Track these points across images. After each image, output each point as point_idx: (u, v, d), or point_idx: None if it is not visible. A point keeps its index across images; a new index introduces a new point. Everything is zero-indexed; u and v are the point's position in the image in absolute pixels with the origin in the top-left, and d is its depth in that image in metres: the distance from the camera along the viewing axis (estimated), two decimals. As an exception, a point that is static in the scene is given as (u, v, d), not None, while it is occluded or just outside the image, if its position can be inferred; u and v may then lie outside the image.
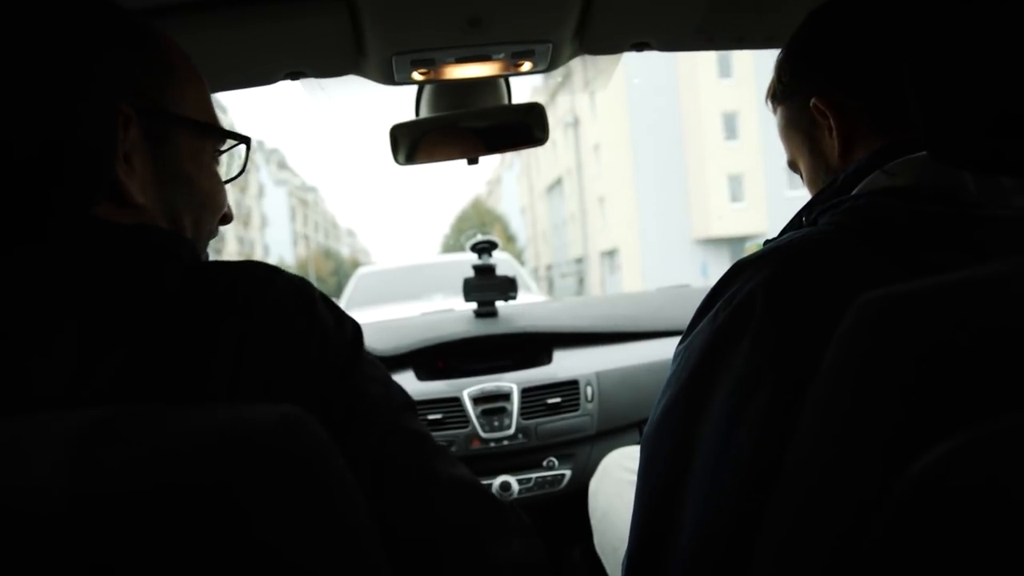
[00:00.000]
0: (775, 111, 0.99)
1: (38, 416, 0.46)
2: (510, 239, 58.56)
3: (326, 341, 0.64)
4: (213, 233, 0.79)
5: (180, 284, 0.61)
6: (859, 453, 0.55)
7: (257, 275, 0.64)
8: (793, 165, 1.00)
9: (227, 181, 0.82)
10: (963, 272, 0.55)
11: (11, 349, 0.54)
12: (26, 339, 0.55)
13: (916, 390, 0.52)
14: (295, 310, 0.63)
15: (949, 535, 0.48)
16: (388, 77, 1.35)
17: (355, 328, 0.69)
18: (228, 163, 0.83)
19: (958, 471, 0.48)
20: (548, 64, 1.36)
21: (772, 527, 0.65)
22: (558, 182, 45.66)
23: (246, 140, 0.80)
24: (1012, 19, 0.57)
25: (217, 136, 0.77)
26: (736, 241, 29.84)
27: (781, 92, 0.97)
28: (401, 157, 1.50)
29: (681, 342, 0.86)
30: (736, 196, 32.41)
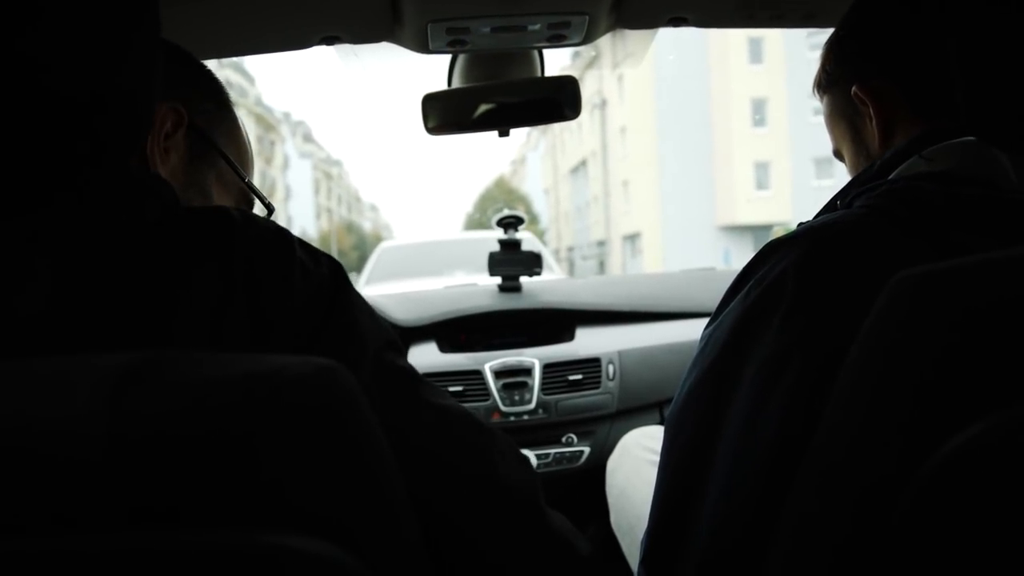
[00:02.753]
0: (821, 100, 0.99)
1: (74, 357, 0.46)
2: (533, 219, 58.50)
3: (307, 275, 0.66)
4: None
5: (158, 220, 0.63)
6: (890, 426, 0.55)
7: (234, 216, 0.66)
8: (838, 154, 1.00)
9: None
10: (1000, 251, 0.55)
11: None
12: (10, 279, 0.57)
13: (950, 366, 0.52)
14: (276, 248, 0.66)
15: (976, 511, 0.47)
16: (423, 45, 1.34)
17: (331, 262, 0.71)
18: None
19: (987, 451, 0.48)
20: (584, 37, 1.35)
21: (796, 500, 0.65)
22: (582, 164, 45.52)
23: (271, 210, 0.91)
24: None
25: (248, 189, 0.88)
26: (760, 229, 29.62)
27: (826, 81, 0.97)
28: (432, 126, 1.49)
29: (710, 323, 0.85)
30: (762, 184, 32.18)
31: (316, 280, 0.67)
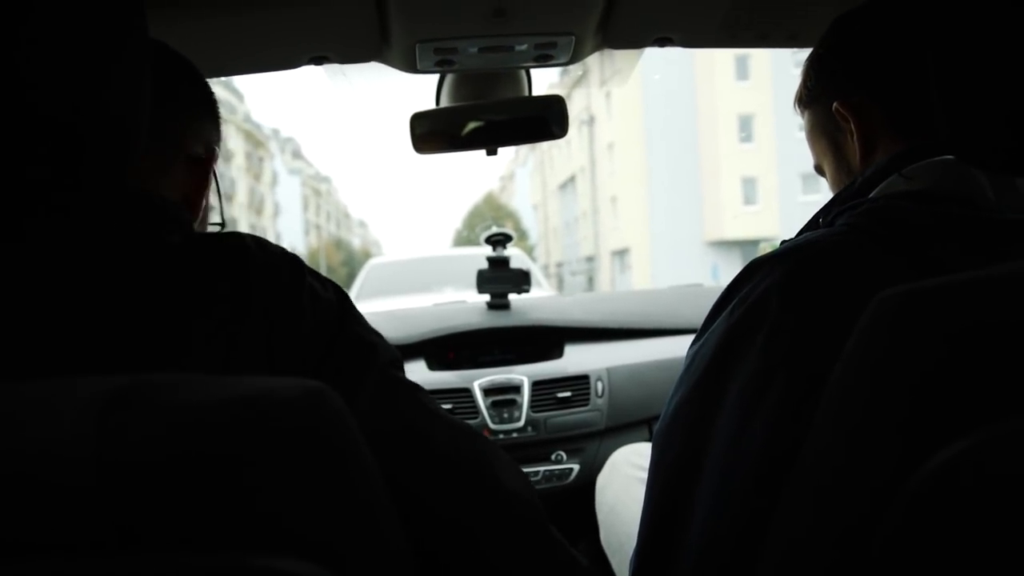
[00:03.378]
0: (802, 115, 1.00)
1: (60, 381, 0.46)
2: (522, 235, 58.53)
3: (316, 300, 0.70)
4: None
5: (178, 245, 0.66)
6: (875, 446, 0.55)
7: (248, 243, 0.70)
8: (819, 169, 1.01)
9: None
10: (982, 270, 0.56)
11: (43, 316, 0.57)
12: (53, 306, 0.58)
13: (933, 385, 0.52)
14: (288, 274, 0.70)
15: (962, 532, 0.48)
16: (411, 65, 1.35)
17: (337, 288, 0.75)
18: None
19: (973, 468, 0.48)
20: (570, 57, 1.36)
21: (783, 521, 0.65)
22: (571, 180, 45.62)
23: (221, 225, 0.95)
24: None
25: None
26: (748, 244, 29.73)
27: (807, 97, 0.97)
28: (420, 145, 1.50)
29: (695, 341, 0.86)
30: (749, 199, 32.32)
31: (325, 305, 0.71)
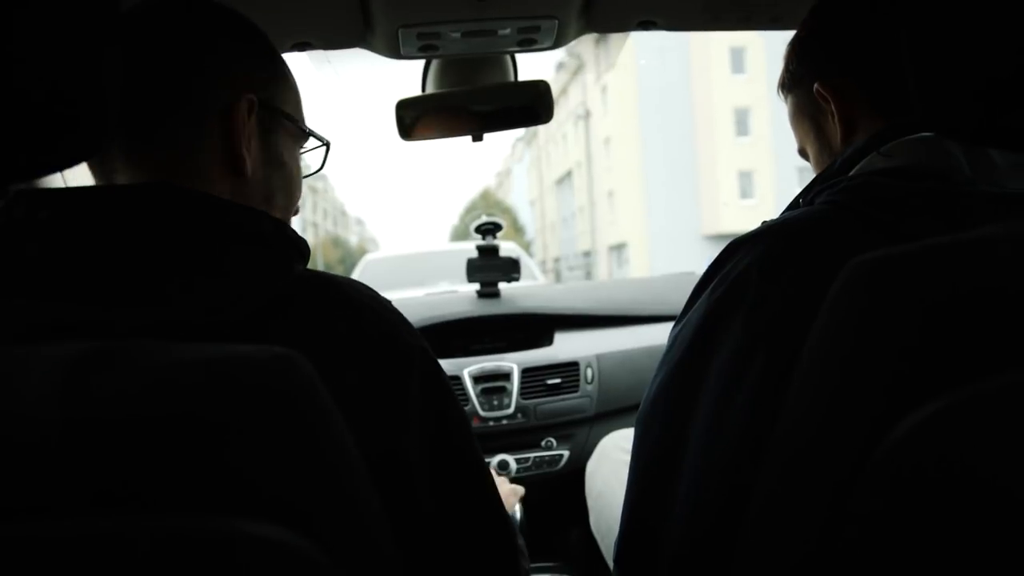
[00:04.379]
0: (785, 100, 1.01)
1: (29, 347, 0.46)
2: (519, 231, 58.53)
3: (411, 367, 0.73)
4: (292, 216, 0.90)
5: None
6: (849, 412, 0.55)
7: (349, 303, 0.73)
8: (803, 152, 1.01)
9: (307, 176, 0.95)
10: (953, 236, 0.56)
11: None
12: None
13: (907, 348, 0.53)
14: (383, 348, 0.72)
15: (924, 504, 0.48)
16: (394, 51, 1.35)
17: (422, 346, 0.76)
18: (309, 160, 0.99)
19: (931, 438, 0.48)
20: (554, 41, 1.36)
21: (762, 492, 0.66)
22: (568, 175, 45.57)
23: (328, 144, 0.94)
24: None
25: (307, 136, 0.89)
26: (745, 237, 29.65)
27: (789, 81, 0.98)
28: (406, 133, 1.50)
29: (677, 323, 0.86)
30: (746, 192, 32.32)
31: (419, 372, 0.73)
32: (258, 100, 0.78)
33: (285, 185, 0.84)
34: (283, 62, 0.86)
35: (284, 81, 0.85)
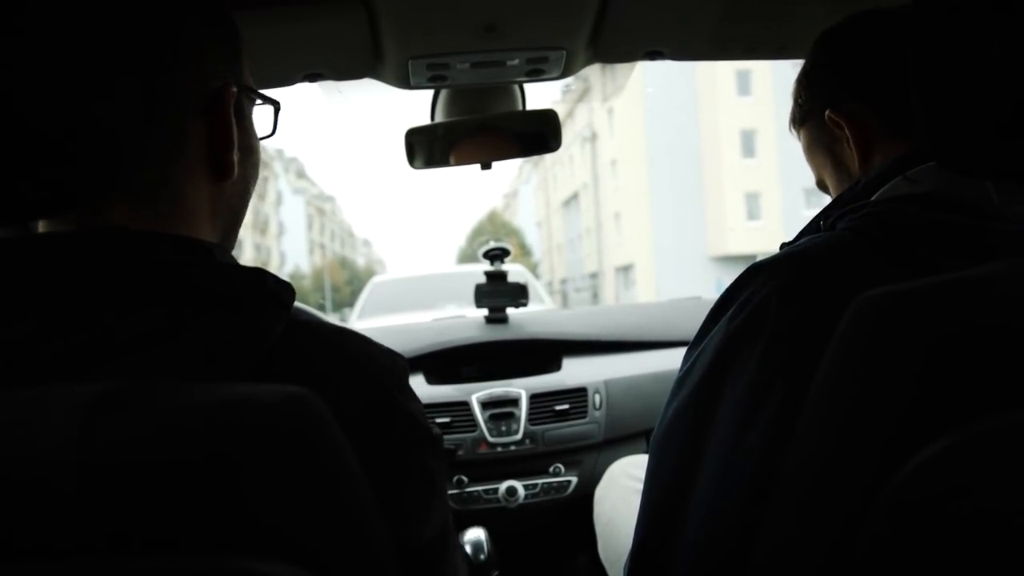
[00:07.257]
0: (798, 136, 1.01)
1: (45, 388, 0.46)
2: (525, 252, 58.59)
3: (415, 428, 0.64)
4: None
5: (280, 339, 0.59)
6: (857, 452, 0.55)
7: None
8: (821, 184, 1.01)
9: (262, 138, 0.78)
10: (959, 272, 0.56)
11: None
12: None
13: (913, 386, 0.53)
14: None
15: (940, 534, 0.48)
16: (404, 81, 1.37)
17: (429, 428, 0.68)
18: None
19: (939, 475, 0.48)
20: (562, 71, 1.38)
21: (770, 528, 0.66)
22: (574, 196, 45.65)
23: (277, 105, 0.77)
24: (1014, 23, 0.58)
25: (261, 102, 0.75)
26: (752, 259, 29.60)
27: (800, 115, 0.98)
28: (415, 161, 1.52)
29: (693, 345, 0.86)
30: (753, 214, 32.32)
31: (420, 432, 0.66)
32: (234, 84, 0.67)
33: (255, 172, 0.73)
34: (236, 26, 0.71)
35: (240, 41, 0.71)
